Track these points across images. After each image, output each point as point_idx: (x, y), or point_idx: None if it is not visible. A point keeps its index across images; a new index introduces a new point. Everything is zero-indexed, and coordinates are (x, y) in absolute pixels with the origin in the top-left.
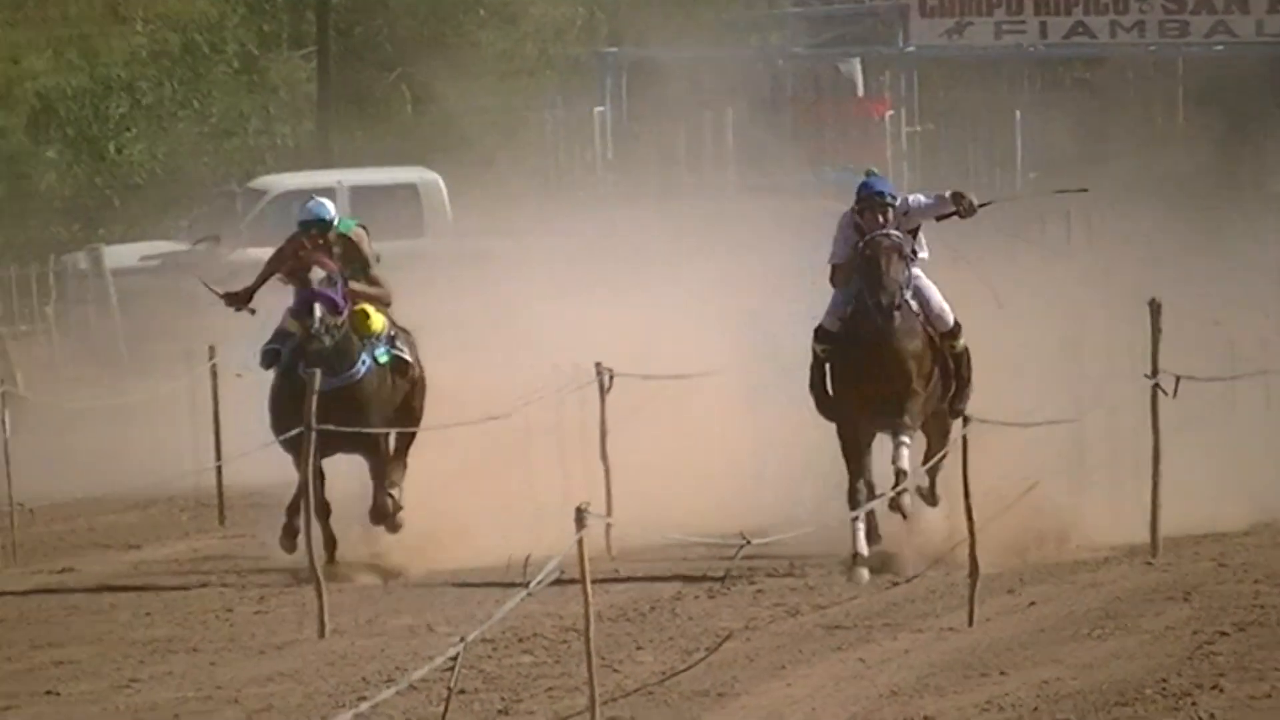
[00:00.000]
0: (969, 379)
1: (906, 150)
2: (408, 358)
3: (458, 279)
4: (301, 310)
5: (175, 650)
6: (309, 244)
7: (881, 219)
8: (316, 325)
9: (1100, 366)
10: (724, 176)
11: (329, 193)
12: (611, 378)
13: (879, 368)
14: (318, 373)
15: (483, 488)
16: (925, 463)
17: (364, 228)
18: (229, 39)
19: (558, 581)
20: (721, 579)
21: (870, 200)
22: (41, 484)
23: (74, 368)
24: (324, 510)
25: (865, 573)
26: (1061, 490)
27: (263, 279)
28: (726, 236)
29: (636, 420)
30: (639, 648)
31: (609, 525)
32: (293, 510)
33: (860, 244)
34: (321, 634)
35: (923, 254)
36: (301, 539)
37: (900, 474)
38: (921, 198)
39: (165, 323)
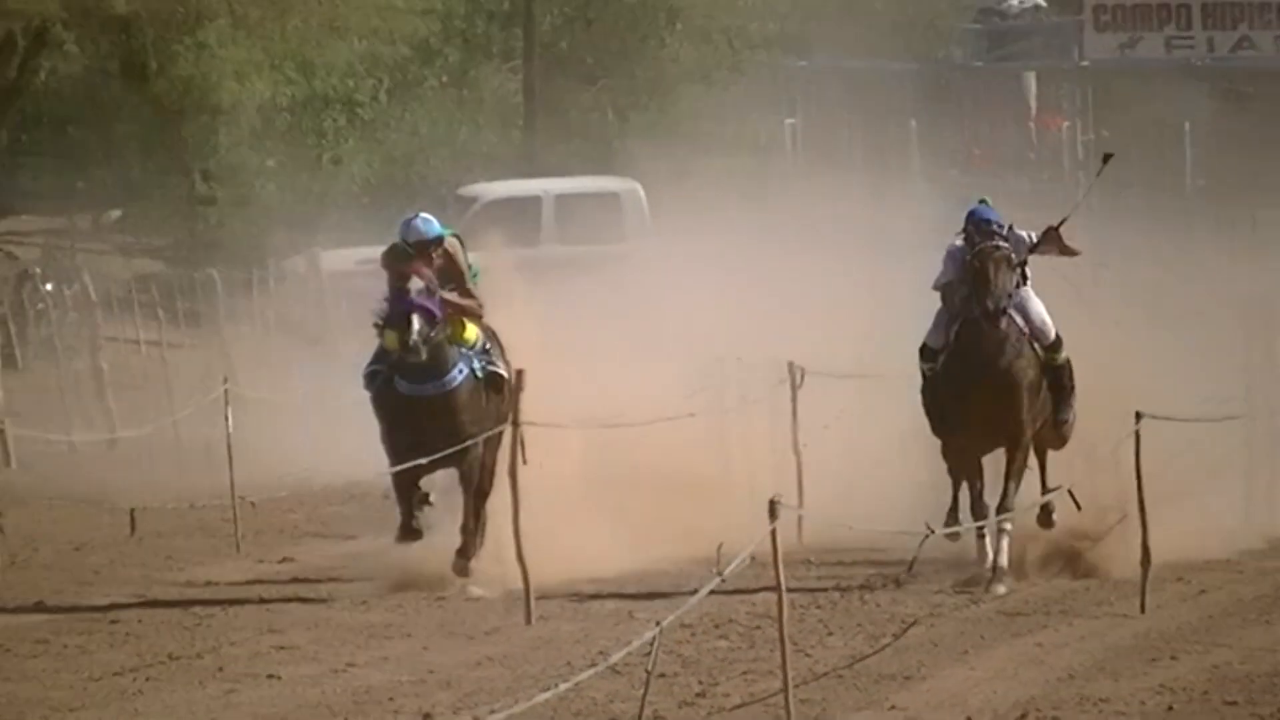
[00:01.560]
0: (1072, 389)
1: (1081, 160)
2: (503, 372)
3: (656, 282)
4: (399, 321)
5: (390, 636)
6: (420, 259)
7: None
8: (414, 337)
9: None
10: (906, 186)
11: (535, 201)
12: (803, 375)
13: (986, 384)
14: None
15: (678, 480)
16: (1041, 481)
17: (458, 238)
18: (440, 54)
19: (751, 569)
20: (909, 568)
21: (978, 227)
22: (263, 477)
23: (291, 366)
24: (411, 536)
25: (1001, 587)
26: (1233, 484)
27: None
28: (914, 241)
29: (825, 417)
30: (829, 633)
31: (800, 516)
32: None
33: (969, 255)
34: (528, 620)
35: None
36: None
37: (1006, 509)
38: (1026, 234)
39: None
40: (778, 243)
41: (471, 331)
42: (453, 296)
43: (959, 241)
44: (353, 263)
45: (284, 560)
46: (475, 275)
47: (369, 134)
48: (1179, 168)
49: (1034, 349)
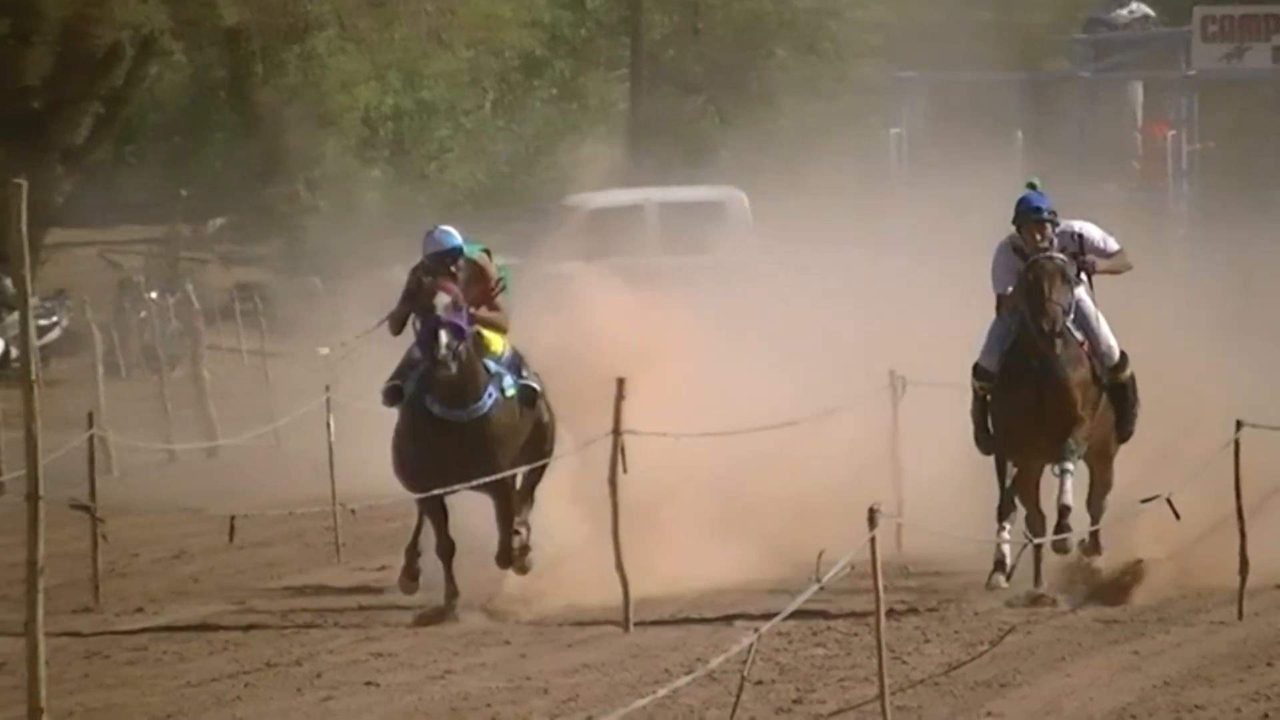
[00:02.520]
0: (1136, 401)
1: (1186, 169)
2: (535, 385)
3: (759, 291)
4: (428, 339)
5: (487, 643)
6: (441, 271)
7: (1039, 236)
8: (443, 352)
9: None
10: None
11: (638, 209)
12: (904, 385)
13: (1043, 406)
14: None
15: (780, 489)
16: (1089, 504)
17: (488, 252)
18: (547, 64)
19: (849, 578)
20: (1007, 576)
21: (1027, 216)
22: (363, 486)
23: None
24: (449, 550)
25: (1002, 578)
26: None
27: (403, 318)
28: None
29: (927, 426)
30: (926, 640)
31: (899, 525)
32: (412, 551)
33: (1024, 268)
34: (626, 627)
35: (1114, 247)
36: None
37: (1064, 510)
38: (1099, 239)
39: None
40: (881, 252)
41: (497, 343)
42: (480, 312)
43: (1011, 236)
44: None
45: (382, 568)
46: (505, 279)
47: (473, 143)
48: None
49: (1093, 366)
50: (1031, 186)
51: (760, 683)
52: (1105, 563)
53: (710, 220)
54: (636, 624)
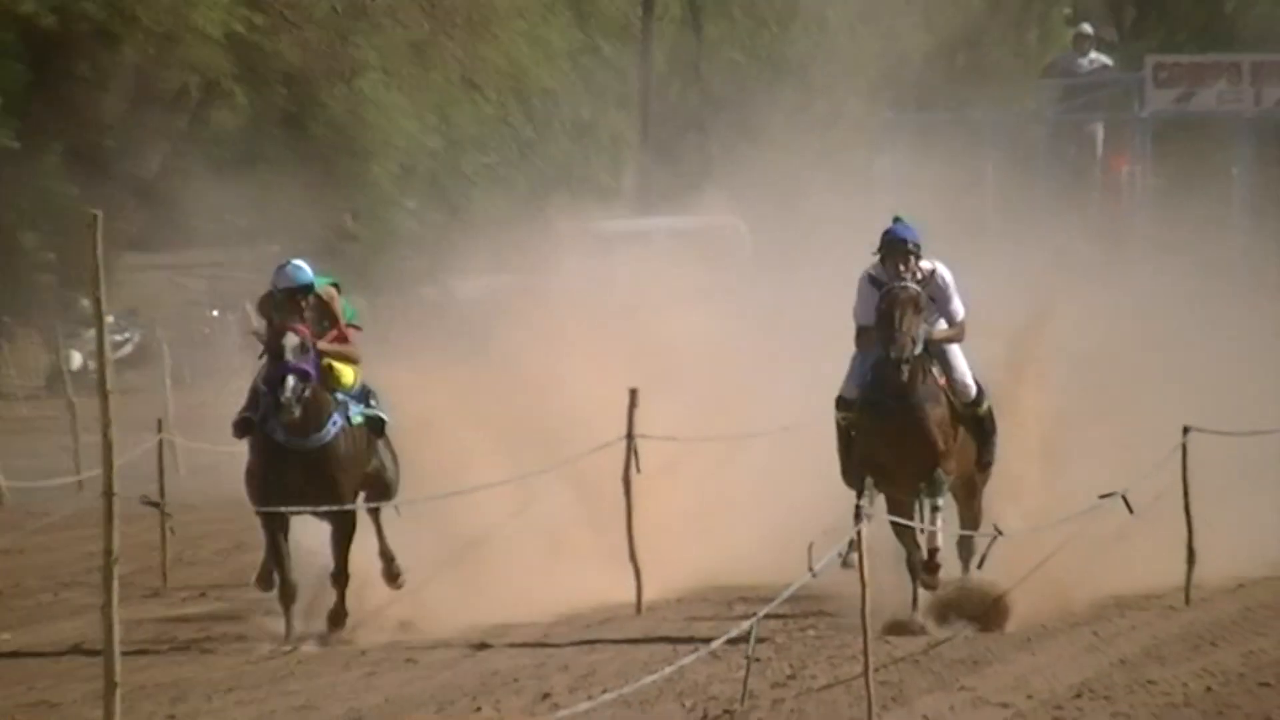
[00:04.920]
0: (993, 431)
1: (1140, 201)
2: (383, 415)
3: (757, 309)
4: (275, 381)
5: (515, 623)
6: (291, 307)
7: (902, 266)
8: (288, 396)
9: None
10: (981, 221)
11: (646, 236)
12: None
13: (903, 441)
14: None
15: (777, 490)
16: (959, 544)
17: (336, 286)
18: (564, 103)
19: (839, 568)
20: (979, 566)
21: (893, 246)
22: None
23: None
24: (287, 588)
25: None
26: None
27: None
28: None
29: None
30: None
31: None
32: (261, 580)
33: (879, 298)
34: (638, 610)
35: (958, 311)
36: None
37: (933, 552)
38: (950, 289)
39: (503, 344)
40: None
41: (348, 375)
42: (327, 344)
43: (872, 267)
44: (480, 290)
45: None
46: (352, 317)
47: (497, 176)
48: (1227, 208)
49: (950, 401)
50: (897, 220)
51: (759, 660)
52: (979, 591)
53: (713, 244)
54: (648, 608)
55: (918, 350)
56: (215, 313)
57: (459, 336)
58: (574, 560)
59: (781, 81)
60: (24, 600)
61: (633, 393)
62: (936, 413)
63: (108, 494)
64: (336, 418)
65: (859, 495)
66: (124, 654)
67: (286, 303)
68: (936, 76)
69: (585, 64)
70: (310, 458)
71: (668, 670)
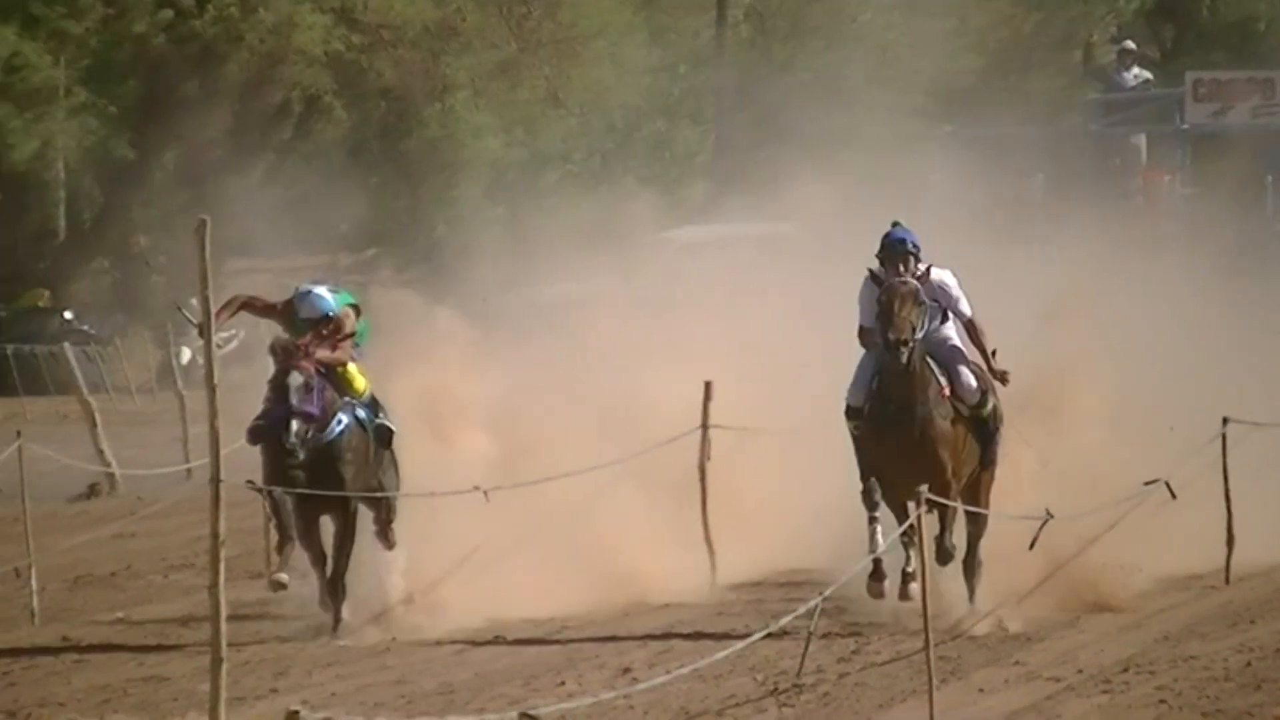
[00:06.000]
0: (996, 430)
1: (1179, 208)
2: (391, 426)
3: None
4: (280, 426)
5: (597, 603)
6: (312, 334)
7: (902, 267)
8: (293, 440)
9: None
10: (1033, 229)
11: (719, 241)
12: None
13: (907, 454)
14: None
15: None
16: (965, 562)
17: (355, 307)
18: (642, 119)
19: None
20: (1030, 546)
21: (892, 249)
22: None
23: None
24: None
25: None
26: None
27: (237, 310)
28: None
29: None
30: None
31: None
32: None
33: (879, 293)
34: (711, 591)
35: (965, 310)
36: None
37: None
38: (955, 290)
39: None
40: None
41: (359, 382)
42: (324, 353)
43: (874, 270)
44: (562, 296)
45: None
46: (362, 338)
47: (582, 186)
48: (1261, 215)
49: (955, 407)
50: (896, 224)
51: (824, 637)
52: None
53: (776, 251)
54: (720, 586)
55: (918, 336)
56: None
57: (545, 337)
58: (651, 544)
59: (843, 99)
60: (136, 581)
61: (707, 385)
62: (942, 427)
63: (215, 481)
64: (343, 416)
65: (871, 508)
66: (229, 631)
67: (308, 330)
68: (990, 95)
69: (662, 82)
70: (318, 456)
71: (739, 646)
